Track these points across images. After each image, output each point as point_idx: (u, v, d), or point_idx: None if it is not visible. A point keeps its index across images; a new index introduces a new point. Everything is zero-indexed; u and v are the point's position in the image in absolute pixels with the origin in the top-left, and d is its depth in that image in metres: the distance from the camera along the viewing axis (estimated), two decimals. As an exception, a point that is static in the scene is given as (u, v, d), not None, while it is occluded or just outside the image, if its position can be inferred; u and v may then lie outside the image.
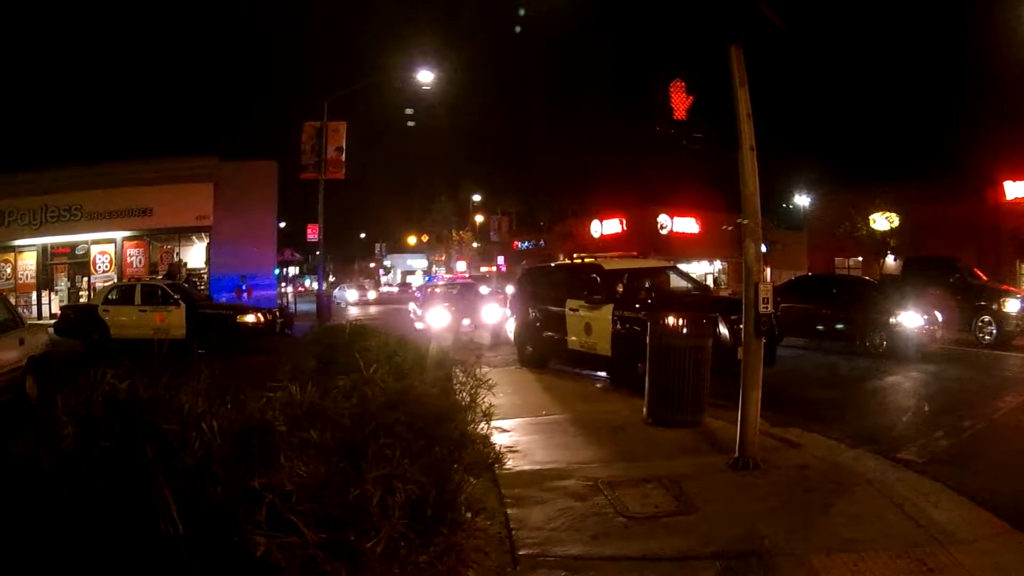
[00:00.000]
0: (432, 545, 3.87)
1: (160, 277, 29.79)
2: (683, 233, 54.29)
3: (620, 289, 13.87)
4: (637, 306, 13.05)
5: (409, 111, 41.78)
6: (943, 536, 6.12)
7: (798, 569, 5.51)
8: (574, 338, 14.40)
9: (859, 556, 5.72)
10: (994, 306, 21.26)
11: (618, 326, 13.09)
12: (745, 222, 8.07)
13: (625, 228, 57.43)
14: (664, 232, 53.80)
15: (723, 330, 11.64)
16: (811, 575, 5.44)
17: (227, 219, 34.18)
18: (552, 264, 19.04)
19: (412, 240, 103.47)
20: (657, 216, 54.14)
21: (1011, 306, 21.14)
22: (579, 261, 16.65)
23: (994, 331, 20.89)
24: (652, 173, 52.05)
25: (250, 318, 21.55)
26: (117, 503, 3.69)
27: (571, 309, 14.43)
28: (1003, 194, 36.39)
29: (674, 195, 52.99)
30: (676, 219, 54.78)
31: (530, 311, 16.35)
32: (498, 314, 22.22)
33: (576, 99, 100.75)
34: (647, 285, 14.56)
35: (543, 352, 15.75)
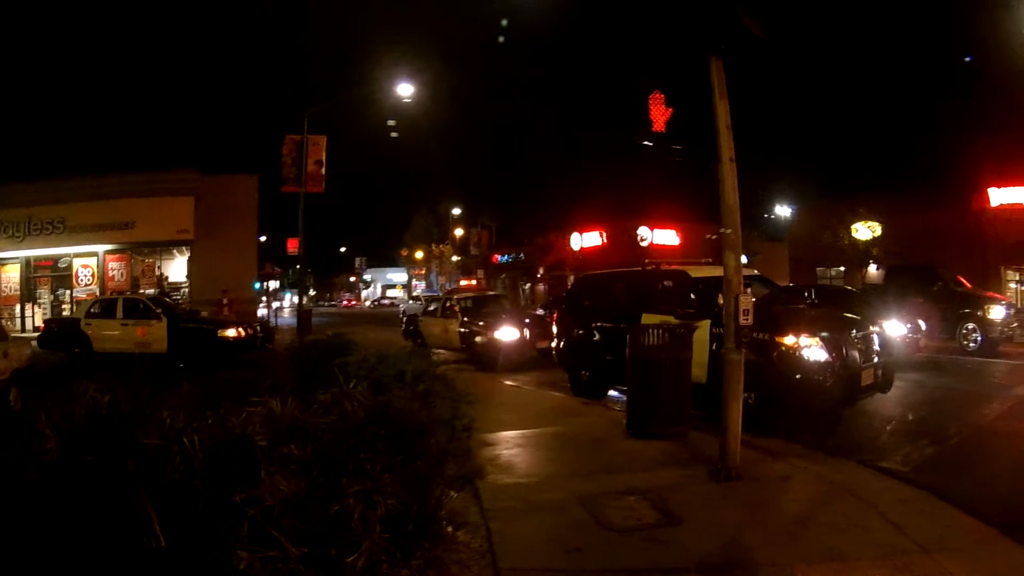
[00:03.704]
0: (414, 559, 3.93)
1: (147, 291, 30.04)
2: (663, 245, 54.36)
3: (720, 302, 11.24)
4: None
5: (391, 123, 41.82)
6: (929, 543, 6.16)
7: None
8: None
9: (843, 565, 5.77)
10: (979, 313, 21.54)
11: (717, 346, 10.79)
12: (727, 232, 8.18)
13: (605, 241, 57.88)
14: (644, 244, 54.01)
15: (829, 352, 10.44)
16: None
17: (208, 233, 34.45)
18: (617, 271, 15.96)
19: (393, 254, 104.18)
20: (637, 228, 54.40)
21: (996, 313, 21.42)
22: (652, 268, 13.96)
23: (979, 338, 21.17)
24: (632, 185, 52.33)
25: (231, 332, 21.74)
26: (101, 516, 3.75)
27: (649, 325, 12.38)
28: (987, 201, 36.73)
29: (654, 207, 53.29)
30: (656, 231, 55.01)
31: (585, 329, 14.22)
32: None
33: (557, 112, 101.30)
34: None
35: (604, 377, 13.51)
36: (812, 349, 10.31)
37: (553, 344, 16.51)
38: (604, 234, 58.18)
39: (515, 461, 9.06)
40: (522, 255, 72.01)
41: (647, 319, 11.79)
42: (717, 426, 8.35)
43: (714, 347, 10.96)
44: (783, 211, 59.07)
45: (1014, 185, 35.96)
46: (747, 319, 8.07)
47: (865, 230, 40.97)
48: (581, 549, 6.03)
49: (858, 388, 10.73)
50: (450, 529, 4.63)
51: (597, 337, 13.76)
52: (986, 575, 5.65)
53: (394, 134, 48.24)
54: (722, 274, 12.74)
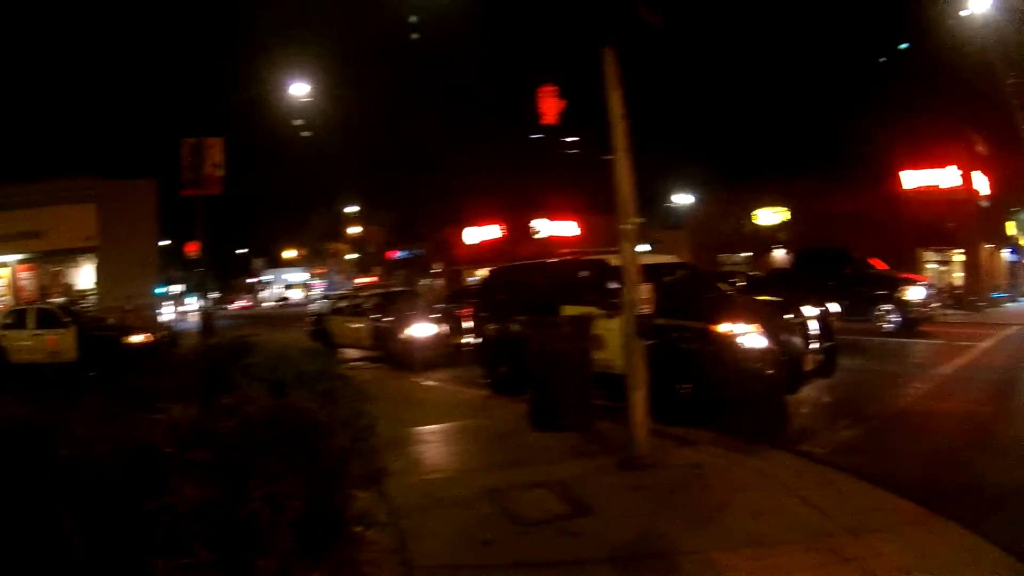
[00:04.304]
0: (325, 561, 4.01)
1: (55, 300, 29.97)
2: (562, 236, 55.33)
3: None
4: (676, 311, 10.90)
5: (298, 122, 41.94)
6: (856, 525, 6.32)
7: (701, 567, 5.63)
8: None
9: (767, 551, 5.88)
10: (895, 295, 22.18)
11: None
12: (629, 226, 8.40)
13: (502, 234, 59.23)
14: (542, 236, 55.22)
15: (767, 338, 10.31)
16: (716, 573, 5.55)
17: (111, 239, 34.36)
18: (534, 262, 15.48)
19: (292, 254, 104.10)
20: (533, 220, 55.98)
21: (913, 293, 22.11)
22: (570, 257, 13.77)
23: (896, 319, 21.83)
24: (529, 178, 53.16)
25: (136, 338, 21.93)
26: (20, 530, 3.85)
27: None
28: (900, 183, 37.79)
29: (552, 199, 54.35)
30: (555, 222, 56.45)
31: (502, 323, 13.83)
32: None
33: (454, 107, 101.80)
34: (667, 285, 12.11)
35: (524, 372, 11.99)
36: (750, 336, 10.23)
37: (469, 340, 16.52)
38: (500, 227, 59.55)
39: (423, 458, 9.29)
40: (419, 251, 73.13)
41: (568, 310, 11.82)
42: (624, 415, 8.50)
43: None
44: (684, 199, 60.21)
45: (927, 168, 37.08)
46: (647, 308, 8.29)
47: (771, 215, 41.91)
48: (492, 543, 6.15)
49: (800, 374, 10.72)
50: (360, 529, 4.65)
51: (514, 331, 13.06)
52: (919, 554, 5.75)
53: (306, 133, 48.47)
54: (652, 262, 12.59)
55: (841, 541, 6.01)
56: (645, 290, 8.36)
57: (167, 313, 42.15)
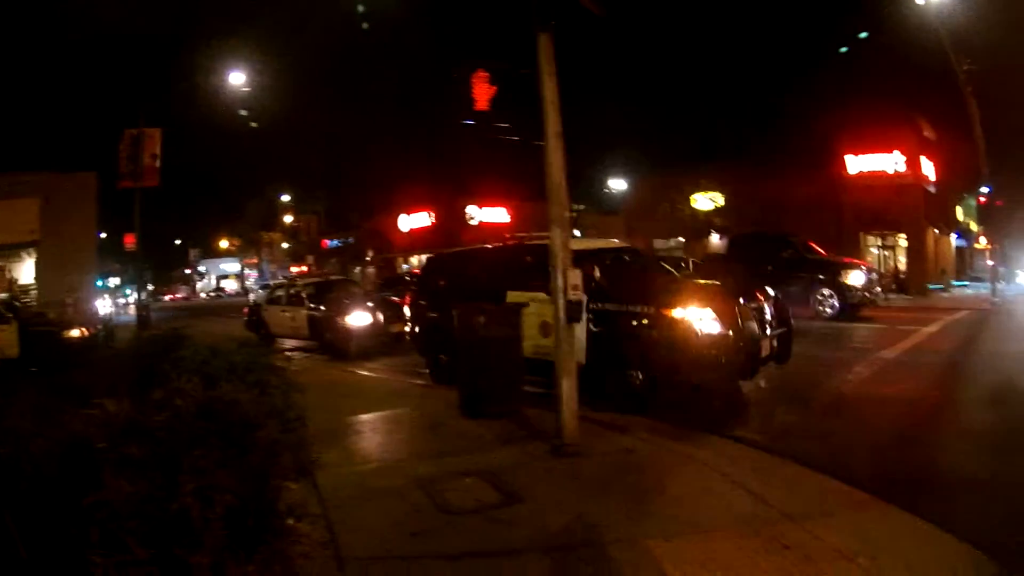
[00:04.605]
0: (258, 554, 4.02)
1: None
2: (493, 223, 55.58)
3: (597, 275, 11.39)
4: (624, 295, 11.01)
5: (243, 112, 41.80)
6: (796, 511, 6.39)
7: (635, 556, 5.67)
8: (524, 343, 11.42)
9: (702, 537, 5.94)
10: (836, 279, 22.55)
11: (595, 323, 10.98)
12: (560, 212, 8.54)
13: (434, 221, 59.56)
14: (473, 223, 55.54)
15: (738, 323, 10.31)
16: (651, 562, 5.56)
17: (52, 232, 34.77)
18: (476, 248, 15.48)
19: (224, 244, 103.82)
20: (465, 207, 55.99)
21: (854, 278, 22.52)
22: (514, 243, 13.54)
23: (835, 303, 22.22)
24: (460, 165, 53.31)
25: (75, 333, 21.74)
26: None
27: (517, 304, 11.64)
28: (844, 168, 38.36)
29: (482, 185, 54.62)
30: (485, 209, 56.76)
31: (442, 311, 13.13)
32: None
33: (386, 94, 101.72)
34: (615, 269, 12.36)
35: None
36: (705, 321, 10.17)
37: (407, 328, 16.51)
38: (432, 214, 59.80)
39: (354, 448, 9.41)
40: (351, 239, 73.77)
41: (513, 297, 11.84)
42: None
43: (591, 324, 10.90)
44: (619, 184, 60.76)
45: (872, 153, 37.66)
46: (576, 294, 8.41)
47: (706, 200, 42.44)
48: (423, 533, 6.24)
49: (758, 360, 10.62)
50: (291, 521, 4.57)
51: (460, 320, 12.16)
52: (863, 539, 5.77)
53: (254, 124, 48.29)
54: (595, 247, 12.88)
55: (780, 527, 6.07)
56: (575, 276, 8.48)
57: (106, 306, 41.96)
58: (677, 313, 10.28)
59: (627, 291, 11.18)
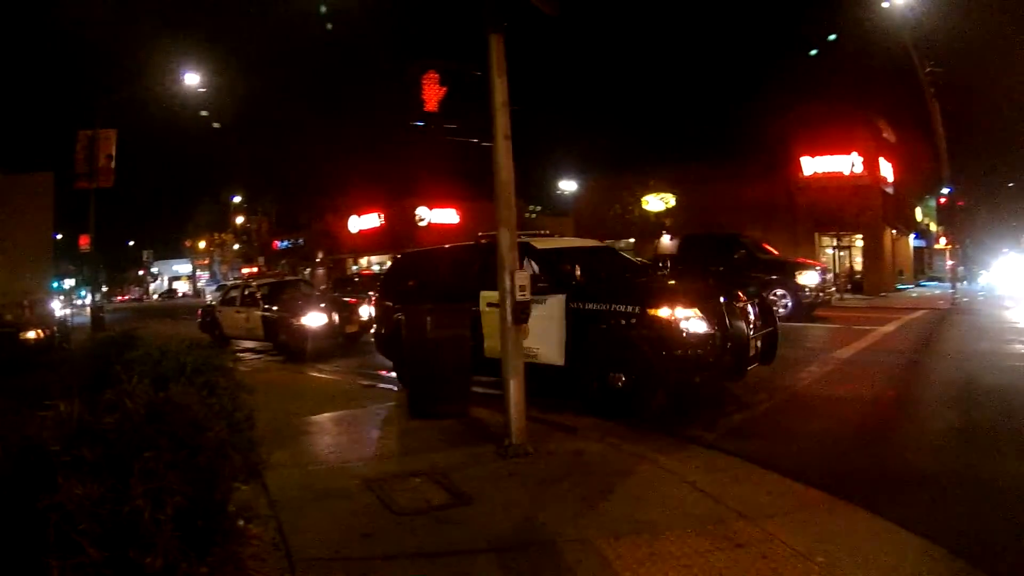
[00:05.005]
0: (210, 556, 4.04)
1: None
2: (443, 224, 56.82)
3: (578, 274, 11.70)
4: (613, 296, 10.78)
5: (204, 113, 41.68)
6: (750, 511, 6.43)
7: (586, 555, 5.69)
8: (495, 344, 10.72)
9: (653, 537, 5.96)
10: (789, 279, 22.89)
11: (576, 324, 10.81)
12: (508, 213, 8.65)
13: (384, 222, 60.84)
14: (423, 224, 56.54)
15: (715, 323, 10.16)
16: (602, 562, 5.57)
17: (8, 234, 33.94)
18: (449, 246, 15.01)
19: (180, 245, 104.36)
20: (415, 208, 57.05)
21: (807, 278, 22.85)
22: (486, 241, 12.69)
23: (789, 303, 22.53)
24: (410, 166, 53.68)
25: (31, 334, 21.90)
26: None
27: (491, 304, 11.14)
28: (800, 170, 38.86)
29: (433, 186, 55.45)
30: (436, 210, 57.94)
31: (413, 313, 11.80)
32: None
33: (336, 96, 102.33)
34: (593, 269, 12.44)
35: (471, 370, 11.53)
36: (692, 321, 10.03)
37: (372, 330, 16.40)
38: (382, 215, 61.13)
39: (304, 449, 9.43)
40: (301, 240, 75.18)
41: (487, 297, 11.52)
42: (555, 410, 9.30)
43: (572, 324, 10.76)
44: (570, 185, 61.26)
45: (829, 154, 38.15)
46: (524, 295, 8.51)
47: (658, 201, 42.86)
48: (373, 535, 6.26)
49: (746, 360, 10.49)
50: (242, 523, 4.56)
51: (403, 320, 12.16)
52: (820, 538, 5.84)
53: (217, 125, 48.24)
54: (573, 246, 12.93)
55: (733, 527, 6.12)
56: (523, 277, 8.57)
57: (61, 308, 41.82)
58: (664, 313, 10.14)
59: (610, 290, 11.11)
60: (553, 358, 10.89)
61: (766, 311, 11.90)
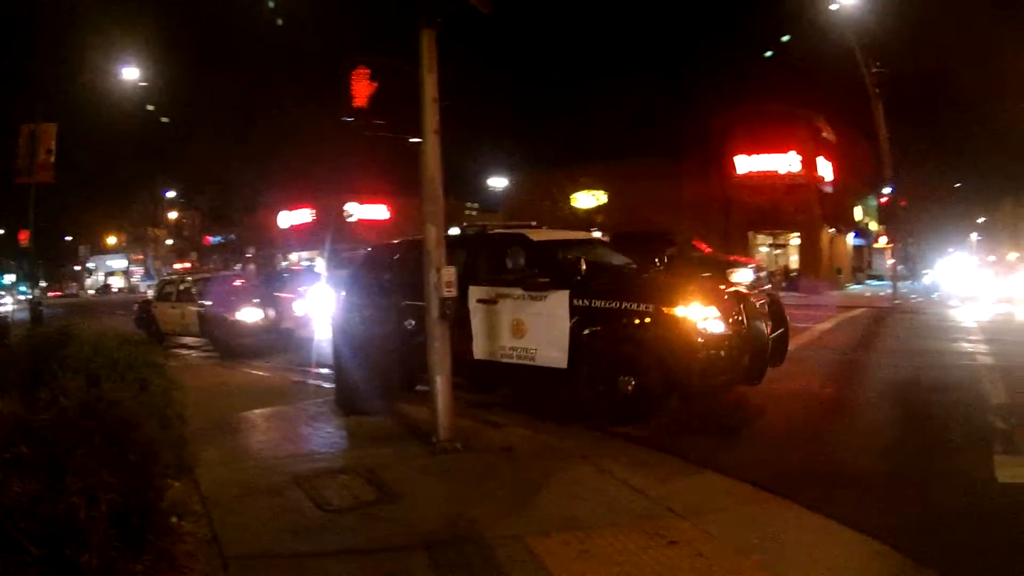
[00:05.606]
0: (145, 553, 4.13)
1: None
2: (373, 220, 57.86)
3: (583, 268, 10.55)
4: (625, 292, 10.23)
5: (151, 107, 41.47)
6: (685, 508, 6.48)
7: (515, 552, 5.72)
8: (486, 344, 10.97)
9: (585, 534, 5.97)
10: (721, 277, 23.17)
11: (580, 323, 10.14)
12: (435, 208, 8.84)
13: (314, 217, 61.72)
14: (352, 220, 57.19)
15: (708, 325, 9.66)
16: (532, 558, 5.60)
17: None
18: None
19: (112, 240, 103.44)
20: (345, 204, 57.87)
21: (740, 276, 23.04)
22: (475, 233, 12.26)
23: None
24: (339, 161, 53.80)
25: None
26: None
27: (482, 300, 10.97)
28: (734, 168, 39.34)
29: (364, 182, 55.88)
30: (366, 206, 58.93)
31: (389, 310, 11.72)
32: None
33: (268, 90, 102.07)
34: (593, 263, 11.30)
35: (416, 368, 10.67)
36: (711, 321, 9.56)
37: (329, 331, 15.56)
38: (313, 211, 62.06)
39: (234, 446, 9.47)
40: (234, 236, 75.79)
41: (476, 292, 10.96)
42: (485, 407, 9.53)
43: (576, 323, 10.12)
44: (500, 181, 61.55)
45: (765, 153, 38.68)
46: (450, 291, 8.59)
47: (588, 198, 43.25)
48: (304, 531, 6.33)
49: (765, 363, 10.16)
50: (175, 520, 4.73)
51: (410, 320, 11.49)
52: (760, 535, 5.88)
53: (164, 119, 48.12)
54: (568, 238, 12.68)
55: (666, 523, 6.15)
56: (449, 273, 8.61)
57: (2, 303, 41.59)
58: (681, 312, 9.55)
59: (619, 287, 10.55)
60: (554, 360, 10.26)
61: (778, 311, 11.62)
